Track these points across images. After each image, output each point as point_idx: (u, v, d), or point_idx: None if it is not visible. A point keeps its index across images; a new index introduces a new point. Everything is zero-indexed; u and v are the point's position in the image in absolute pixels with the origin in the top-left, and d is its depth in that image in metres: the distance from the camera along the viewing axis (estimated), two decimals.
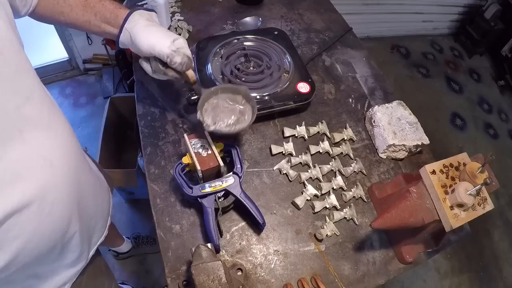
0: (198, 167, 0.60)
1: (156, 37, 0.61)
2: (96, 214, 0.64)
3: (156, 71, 0.65)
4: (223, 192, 0.62)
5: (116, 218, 1.58)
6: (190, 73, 0.66)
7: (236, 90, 0.67)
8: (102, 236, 0.69)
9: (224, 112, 0.65)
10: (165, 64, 0.64)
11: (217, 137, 0.64)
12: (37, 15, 0.60)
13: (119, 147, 1.64)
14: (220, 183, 0.62)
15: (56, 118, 0.49)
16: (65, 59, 1.98)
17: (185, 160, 0.62)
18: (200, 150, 0.62)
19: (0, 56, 0.40)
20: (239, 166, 0.64)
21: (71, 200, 0.50)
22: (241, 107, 0.66)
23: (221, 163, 0.61)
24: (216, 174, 0.64)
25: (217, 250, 0.60)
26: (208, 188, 0.61)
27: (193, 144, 0.63)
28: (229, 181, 0.62)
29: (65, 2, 0.61)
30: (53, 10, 0.61)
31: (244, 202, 0.62)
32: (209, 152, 0.62)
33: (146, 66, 0.67)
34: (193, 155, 0.61)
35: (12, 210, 0.40)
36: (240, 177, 0.63)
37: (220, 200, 0.62)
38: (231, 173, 0.64)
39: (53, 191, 0.45)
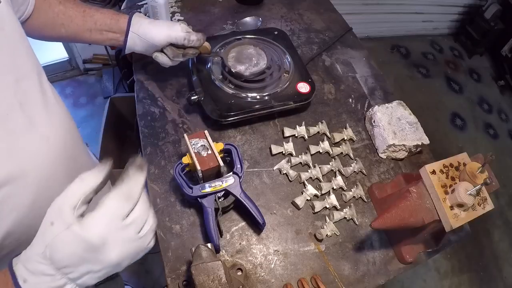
0: (198, 167, 0.60)
1: (167, 27, 0.67)
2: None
3: (175, 56, 0.70)
4: (223, 192, 0.62)
5: None
6: (206, 44, 0.74)
7: (240, 43, 0.83)
8: None
9: (245, 60, 0.80)
10: (179, 48, 0.70)
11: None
12: (35, 28, 0.60)
13: (119, 147, 1.64)
14: (220, 183, 0.62)
15: (54, 100, 0.50)
16: (65, 59, 1.98)
17: (185, 160, 0.62)
18: (200, 150, 0.62)
19: (1, 31, 0.41)
20: (239, 166, 0.64)
21: (69, 178, 0.50)
22: (252, 51, 0.82)
23: (221, 163, 0.61)
24: (216, 174, 0.64)
25: (217, 250, 0.60)
26: (208, 188, 0.61)
27: (193, 144, 0.63)
28: (229, 181, 0.62)
29: (64, 14, 0.61)
30: (53, 23, 0.61)
31: (244, 202, 0.62)
32: (209, 152, 0.62)
33: (163, 58, 0.71)
34: (193, 155, 0.61)
35: (8, 177, 0.40)
36: (240, 177, 0.63)
37: (220, 200, 0.62)
38: (231, 173, 0.63)
39: (49, 166, 0.46)
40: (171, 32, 0.66)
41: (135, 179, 0.37)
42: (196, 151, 0.62)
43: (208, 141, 0.63)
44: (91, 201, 0.36)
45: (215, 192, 0.61)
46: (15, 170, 0.41)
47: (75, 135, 0.55)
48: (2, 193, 0.40)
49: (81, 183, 0.35)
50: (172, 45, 0.69)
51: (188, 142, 0.62)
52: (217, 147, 0.63)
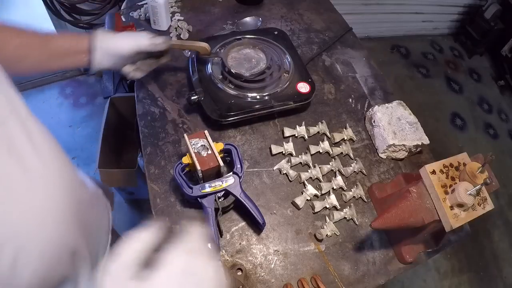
0: (198, 167, 0.60)
1: (131, 36, 0.67)
2: (99, 229, 0.61)
3: (150, 65, 0.73)
4: (223, 192, 0.62)
5: (116, 218, 1.57)
6: (204, 44, 0.76)
7: (240, 43, 0.83)
8: (106, 253, 0.65)
9: (245, 60, 0.81)
10: (150, 57, 0.72)
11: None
12: None
13: (119, 147, 1.63)
14: (220, 183, 0.62)
15: (40, 134, 0.46)
16: None
17: (185, 160, 0.62)
18: (200, 150, 0.62)
19: None
20: (239, 166, 0.64)
21: (72, 216, 0.47)
22: (252, 52, 0.83)
23: (221, 163, 0.61)
24: (216, 174, 0.64)
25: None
26: (208, 188, 0.61)
27: (193, 144, 0.63)
28: (229, 181, 0.62)
29: (24, 46, 0.57)
30: (15, 57, 0.57)
31: (244, 202, 0.62)
32: (209, 152, 0.62)
33: (136, 73, 0.72)
34: (193, 155, 0.61)
35: (13, 232, 0.37)
36: (240, 177, 0.63)
37: (220, 200, 0.62)
38: (231, 173, 0.63)
39: (51, 206, 0.43)
40: (136, 40, 0.66)
41: (193, 232, 0.37)
42: (196, 151, 0.62)
43: (208, 141, 0.63)
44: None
45: (215, 192, 0.61)
46: (19, 222, 0.37)
47: (68, 165, 0.50)
48: (12, 249, 0.36)
49: (137, 242, 0.34)
50: (138, 56, 0.69)
51: (188, 142, 0.62)
52: (217, 147, 0.63)
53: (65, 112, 1.88)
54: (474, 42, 2.72)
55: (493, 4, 2.52)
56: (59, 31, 0.58)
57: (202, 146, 0.63)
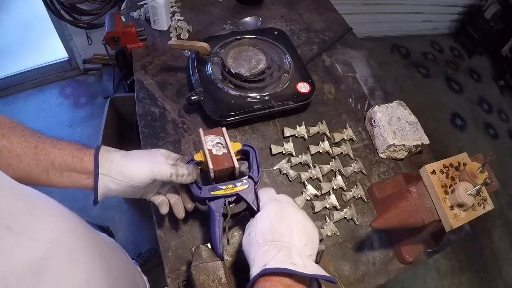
0: (211, 166, 0.54)
1: (148, 161, 0.53)
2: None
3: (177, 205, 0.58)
4: (235, 197, 0.56)
5: (116, 218, 1.58)
6: (204, 44, 0.75)
7: (241, 43, 0.84)
8: None
9: (245, 60, 0.81)
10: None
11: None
12: None
13: (119, 147, 1.63)
14: (232, 186, 0.56)
15: (47, 203, 0.42)
16: (65, 59, 1.97)
17: (198, 157, 0.57)
18: (215, 148, 0.56)
19: None
20: (256, 170, 0.57)
21: (95, 255, 0.46)
22: (252, 52, 0.83)
23: (237, 165, 0.56)
24: (230, 176, 0.59)
25: (221, 259, 0.55)
26: (218, 190, 0.55)
27: (208, 141, 0.57)
28: (242, 186, 0.56)
29: (10, 152, 0.47)
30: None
31: (256, 210, 0.55)
32: (225, 151, 0.57)
33: (162, 207, 0.58)
34: (207, 153, 0.56)
35: None
36: (255, 183, 0.56)
37: (230, 205, 0.56)
38: (245, 176, 0.57)
39: (71, 260, 0.40)
40: (154, 166, 0.52)
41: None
42: (210, 148, 0.56)
43: (225, 140, 0.58)
44: None
45: (225, 195, 0.55)
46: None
47: (75, 218, 0.47)
48: None
49: None
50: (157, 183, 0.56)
51: (203, 139, 0.57)
52: (234, 147, 0.58)
53: (65, 112, 1.88)
54: (474, 42, 2.72)
55: (493, 4, 2.52)
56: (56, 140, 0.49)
57: (217, 144, 0.57)
